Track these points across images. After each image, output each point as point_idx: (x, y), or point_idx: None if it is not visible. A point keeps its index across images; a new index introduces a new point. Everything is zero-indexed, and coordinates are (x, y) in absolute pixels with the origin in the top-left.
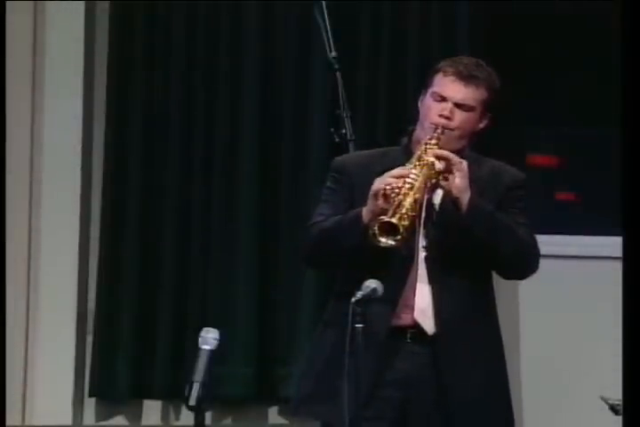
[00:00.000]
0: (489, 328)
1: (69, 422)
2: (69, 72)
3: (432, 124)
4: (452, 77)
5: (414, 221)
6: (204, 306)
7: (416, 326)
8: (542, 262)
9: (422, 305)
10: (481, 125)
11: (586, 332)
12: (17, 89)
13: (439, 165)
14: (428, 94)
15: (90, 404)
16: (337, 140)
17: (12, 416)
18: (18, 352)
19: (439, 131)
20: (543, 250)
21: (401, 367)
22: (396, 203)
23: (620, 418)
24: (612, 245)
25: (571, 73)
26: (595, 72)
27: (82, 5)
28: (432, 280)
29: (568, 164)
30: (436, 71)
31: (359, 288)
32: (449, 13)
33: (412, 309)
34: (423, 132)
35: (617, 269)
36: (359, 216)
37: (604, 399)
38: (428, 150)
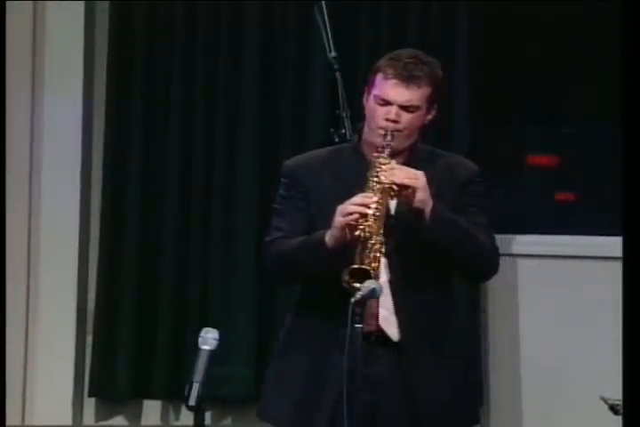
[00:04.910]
0: (452, 329)
1: (69, 422)
2: (69, 72)
3: (380, 128)
4: (393, 80)
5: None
6: (203, 306)
7: (382, 332)
8: (542, 262)
9: (385, 313)
10: (429, 118)
11: (586, 332)
12: (17, 89)
13: (396, 187)
14: (371, 96)
15: (90, 404)
16: (337, 140)
17: (11, 416)
18: (17, 352)
19: (388, 138)
20: (543, 250)
21: (369, 371)
22: (362, 246)
23: (620, 418)
24: (612, 245)
25: (571, 72)
26: (595, 72)
27: (81, 5)
28: (393, 287)
29: (568, 164)
30: (376, 71)
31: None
32: (449, 13)
33: (377, 317)
34: (371, 133)
35: (617, 269)
36: (322, 242)
37: (604, 399)
38: (383, 170)
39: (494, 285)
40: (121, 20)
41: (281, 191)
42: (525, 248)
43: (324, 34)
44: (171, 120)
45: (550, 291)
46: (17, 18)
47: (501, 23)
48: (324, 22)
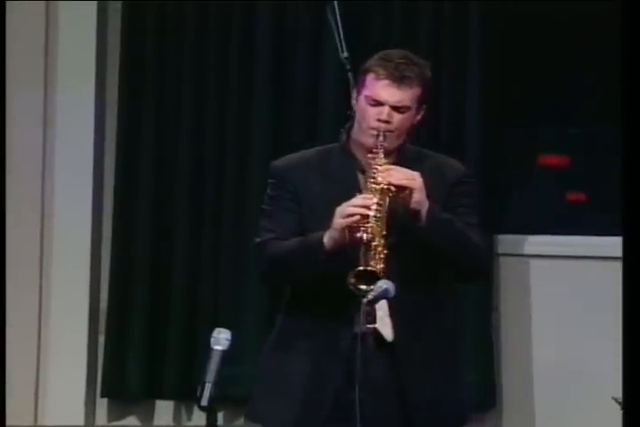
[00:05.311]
0: (446, 329)
1: (81, 422)
2: (81, 72)
3: (372, 128)
4: (384, 81)
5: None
6: (215, 306)
7: (376, 333)
8: (554, 263)
9: (380, 313)
10: (418, 118)
11: (598, 332)
12: (29, 89)
13: (394, 188)
14: (362, 97)
15: (102, 404)
16: None
17: (24, 417)
18: (30, 352)
19: (381, 139)
20: (555, 251)
21: (363, 371)
22: (365, 247)
23: None
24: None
25: (583, 73)
26: (607, 72)
27: (94, 5)
28: None
29: (579, 164)
30: (367, 71)
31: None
32: (461, 13)
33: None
34: (362, 133)
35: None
36: (321, 244)
37: (616, 399)
38: (379, 172)
39: (506, 285)
40: (133, 20)
41: (269, 192)
42: (537, 249)
43: (335, 34)
44: (182, 120)
45: (562, 291)
46: (29, 18)
47: (514, 23)
48: (336, 22)
